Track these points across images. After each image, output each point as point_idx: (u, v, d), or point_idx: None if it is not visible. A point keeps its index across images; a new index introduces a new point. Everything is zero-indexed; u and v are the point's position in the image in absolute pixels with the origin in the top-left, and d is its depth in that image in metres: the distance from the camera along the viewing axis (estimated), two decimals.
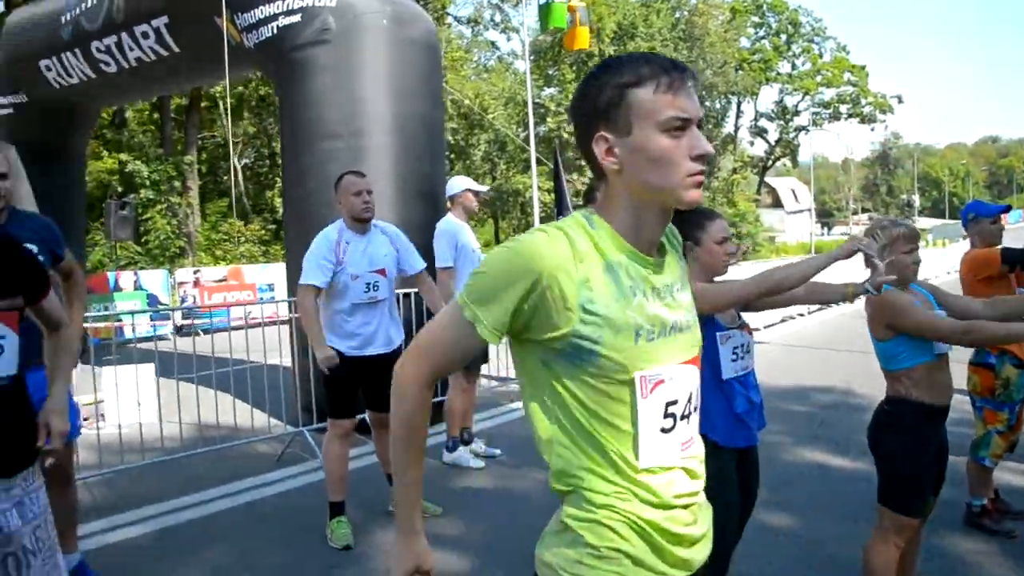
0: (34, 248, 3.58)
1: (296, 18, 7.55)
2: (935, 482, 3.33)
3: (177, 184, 27.08)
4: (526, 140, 21.17)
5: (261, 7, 7.80)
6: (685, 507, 1.58)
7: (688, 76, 1.51)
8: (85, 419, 7.07)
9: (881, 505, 3.30)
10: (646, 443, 1.52)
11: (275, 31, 7.72)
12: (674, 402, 1.56)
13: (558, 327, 1.49)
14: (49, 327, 2.64)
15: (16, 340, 2.34)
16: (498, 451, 6.41)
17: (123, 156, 26.86)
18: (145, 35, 9.58)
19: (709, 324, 2.93)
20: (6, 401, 2.32)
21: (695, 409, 1.63)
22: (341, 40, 7.33)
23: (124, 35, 9.75)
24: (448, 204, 6.43)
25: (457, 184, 6.32)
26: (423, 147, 7.52)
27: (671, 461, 1.55)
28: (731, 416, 3.04)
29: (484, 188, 6.54)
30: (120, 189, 26.36)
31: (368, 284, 4.64)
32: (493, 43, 47.36)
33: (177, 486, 5.74)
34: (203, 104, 30.09)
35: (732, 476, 3.03)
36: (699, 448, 1.66)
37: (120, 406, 6.94)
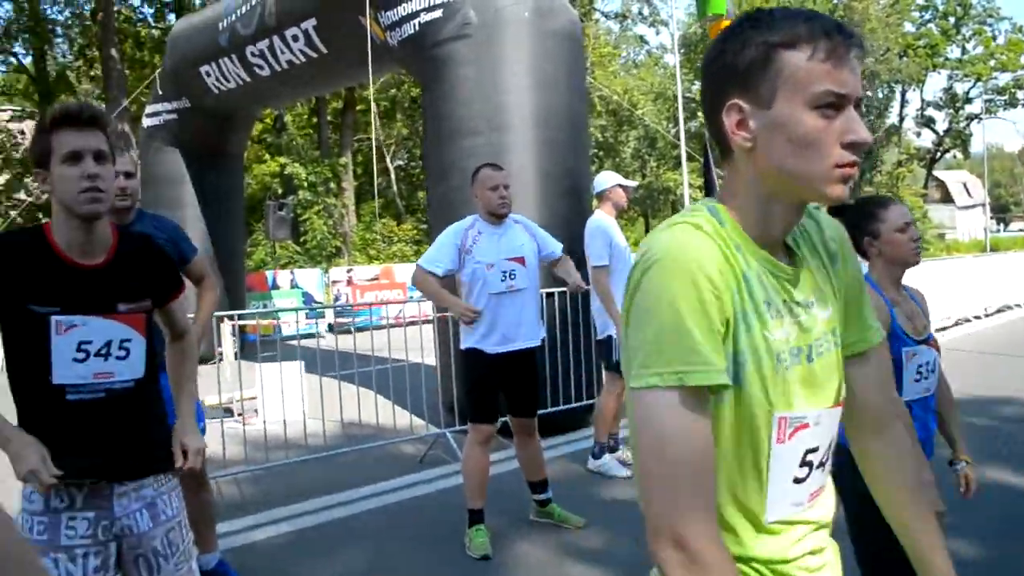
0: None
1: (437, 13, 7.46)
2: None
3: (333, 185, 27.99)
4: (676, 136, 20.58)
5: (403, 4, 7.77)
6: (810, 571, 1.32)
7: (854, 44, 1.20)
8: (239, 415, 7.23)
9: None
10: (775, 494, 1.27)
11: (417, 28, 7.68)
12: (815, 449, 1.30)
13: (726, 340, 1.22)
14: (173, 332, 2.54)
15: (143, 343, 2.25)
16: None
17: (282, 159, 27.98)
18: (295, 38, 9.81)
19: (894, 339, 2.58)
20: (132, 404, 2.25)
21: (831, 453, 1.36)
22: (482, 34, 7.18)
23: (276, 39, 10.02)
24: (596, 200, 6.14)
25: (606, 180, 6.03)
26: (566, 141, 7.27)
27: (797, 514, 1.30)
28: None
29: (634, 184, 6.24)
30: (280, 191, 27.50)
31: (505, 272, 4.41)
32: (642, 37, 46.55)
33: (321, 485, 5.73)
34: (358, 107, 31.01)
35: None
36: (829, 498, 1.40)
37: (270, 403, 7.03)
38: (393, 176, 34.71)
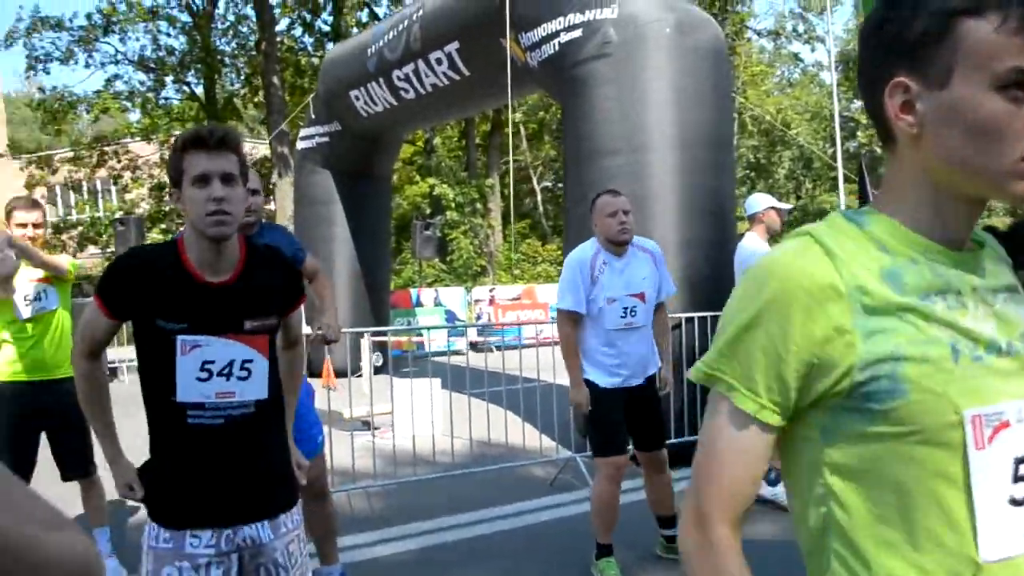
0: None
1: (577, 33, 7.40)
2: None
3: (479, 206, 28.42)
4: (833, 157, 19.75)
5: (544, 25, 7.76)
6: None
7: None
8: (377, 428, 7.33)
9: None
10: (988, 523, 1.02)
11: (557, 48, 7.64)
12: None
13: (836, 365, 1.06)
14: (287, 340, 2.56)
15: (265, 364, 2.26)
16: None
17: (431, 180, 28.65)
18: (439, 61, 9.99)
19: None
20: (252, 431, 2.25)
21: None
22: (622, 52, 7.06)
23: (420, 62, 10.24)
24: (748, 223, 5.86)
25: (759, 202, 5.77)
26: (710, 161, 7.03)
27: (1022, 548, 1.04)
28: None
29: (788, 206, 5.94)
30: (428, 211, 28.14)
31: (626, 309, 4.23)
32: (796, 55, 45.03)
33: (448, 503, 5.71)
34: (505, 129, 31.42)
35: None
36: None
37: (404, 418, 7.09)
38: (539, 197, 34.96)
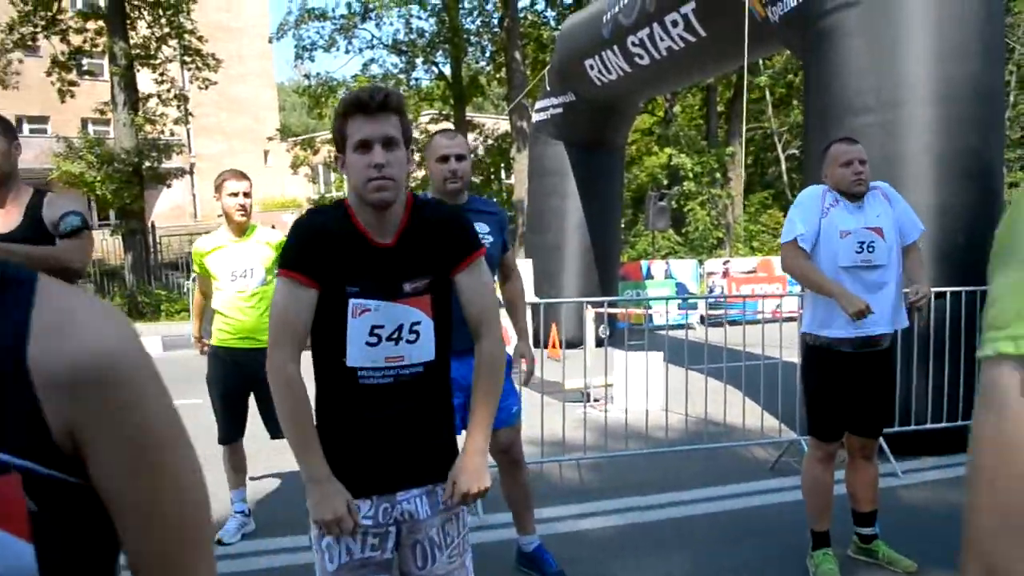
0: (486, 228, 3.61)
1: None
2: None
3: (719, 176, 27.52)
4: None
5: None
6: None
7: None
8: (596, 400, 7.22)
9: None
10: None
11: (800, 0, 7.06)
12: None
13: None
14: (472, 324, 2.28)
15: (431, 325, 2.17)
16: None
17: (669, 150, 28.08)
18: (674, 23, 9.60)
19: None
20: (421, 390, 2.18)
21: None
22: (875, 1, 6.38)
23: (655, 26, 9.90)
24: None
25: None
26: (973, 117, 6.21)
27: None
28: None
29: None
30: (666, 182, 27.61)
31: (861, 243, 3.68)
32: None
33: (661, 480, 5.51)
34: (749, 95, 30.17)
35: None
36: None
37: (622, 391, 6.92)
38: (784, 166, 33.31)
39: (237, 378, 4.42)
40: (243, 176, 4.48)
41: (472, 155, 26.11)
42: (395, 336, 2.12)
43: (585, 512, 4.95)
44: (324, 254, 2.10)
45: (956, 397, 5.92)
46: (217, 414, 4.54)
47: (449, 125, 28.43)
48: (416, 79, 29.20)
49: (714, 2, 8.82)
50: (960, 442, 5.79)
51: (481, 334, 2.28)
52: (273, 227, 7.46)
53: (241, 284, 4.42)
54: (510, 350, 3.57)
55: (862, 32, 6.41)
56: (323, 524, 2.07)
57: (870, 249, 3.70)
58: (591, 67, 11.60)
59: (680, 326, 12.39)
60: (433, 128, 28.84)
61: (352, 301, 2.08)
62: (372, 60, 28.79)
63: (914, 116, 6.12)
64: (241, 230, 4.48)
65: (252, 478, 5.25)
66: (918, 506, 4.94)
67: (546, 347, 9.19)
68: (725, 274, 16.35)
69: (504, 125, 28.66)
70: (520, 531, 4.01)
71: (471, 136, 28.50)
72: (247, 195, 4.44)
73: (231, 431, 4.52)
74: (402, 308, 2.12)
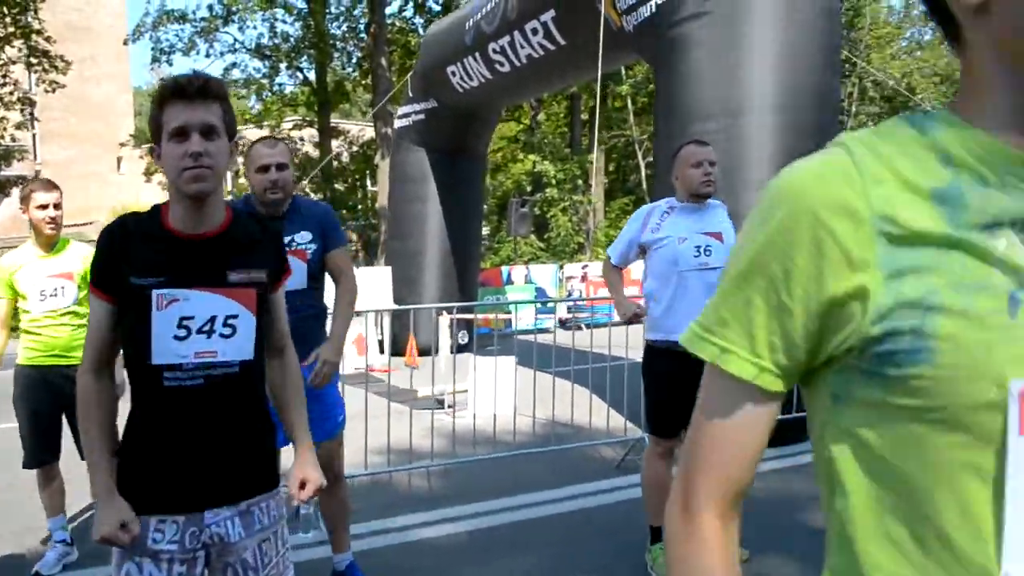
0: (308, 235, 3.51)
1: None
2: None
3: (580, 182, 28.00)
4: None
5: None
6: None
7: None
8: (450, 407, 7.16)
9: None
10: (1020, 528, 0.78)
11: (653, 9, 7.26)
12: None
13: (850, 315, 0.83)
14: (272, 342, 2.24)
15: (252, 321, 2.04)
16: None
17: (533, 157, 28.40)
18: (535, 31, 9.68)
19: None
20: (234, 396, 2.04)
21: None
22: (724, 9, 6.60)
23: (516, 33, 9.95)
24: None
25: None
26: (813, 125, 6.50)
27: None
28: None
29: None
30: (530, 189, 27.90)
31: (699, 247, 3.81)
32: (927, 13, 42.52)
33: (509, 484, 5.51)
34: (612, 104, 30.85)
35: None
36: None
37: (479, 397, 6.89)
38: (644, 173, 34.28)
39: (47, 397, 4.10)
40: (52, 187, 4.14)
41: (336, 161, 25.51)
42: (207, 328, 1.97)
43: (431, 520, 4.88)
44: (122, 258, 1.96)
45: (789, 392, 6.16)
46: (24, 437, 4.17)
47: (312, 131, 27.90)
48: (280, 84, 28.57)
49: (573, 11, 8.93)
50: (794, 433, 6.06)
51: (287, 347, 2.30)
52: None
53: (52, 304, 4.11)
54: (362, 362, 3.49)
55: (709, 42, 6.61)
56: (101, 542, 1.94)
57: (707, 252, 3.82)
58: (453, 74, 11.56)
59: (540, 330, 12.53)
60: (295, 134, 28.25)
61: (156, 292, 1.93)
62: (234, 64, 28.00)
63: (756, 124, 6.35)
64: (50, 245, 4.16)
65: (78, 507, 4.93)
66: (755, 497, 5.11)
67: (404, 355, 9.08)
68: (584, 278, 16.57)
69: (370, 132, 28.34)
70: (335, 549, 3.85)
71: (335, 143, 28.03)
72: (57, 207, 4.10)
73: (42, 453, 4.15)
74: (217, 298, 1.98)
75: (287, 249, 3.28)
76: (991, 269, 0.77)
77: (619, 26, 7.98)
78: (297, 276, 3.20)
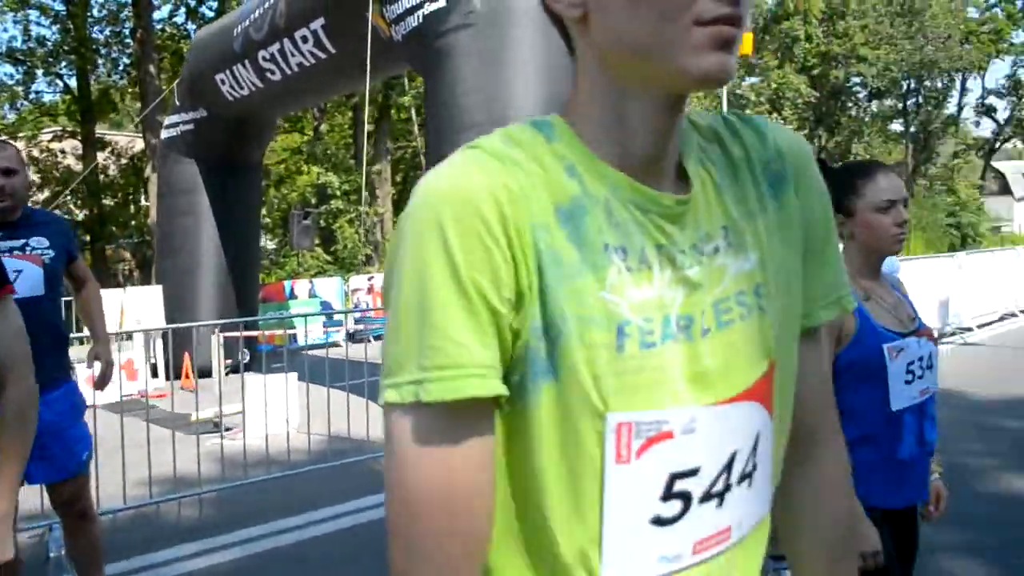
0: (44, 241, 3.28)
1: (441, 3, 7.08)
2: None
3: (366, 193, 27.78)
4: None
5: None
6: None
7: None
8: (227, 429, 6.85)
9: None
10: (619, 545, 0.82)
11: (421, 19, 7.31)
12: (692, 472, 0.84)
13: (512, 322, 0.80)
14: None
15: None
16: None
17: (317, 169, 27.90)
18: (304, 39, 9.49)
19: (869, 336, 2.08)
20: None
21: (750, 475, 0.89)
22: (487, 22, 6.75)
23: (286, 41, 9.71)
24: None
25: None
26: None
27: (665, 569, 0.84)
28: (891, 463, 2.11)
29: None
30: (314, 201, 27.35)
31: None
32: (552, 21, 45.68)
33: (291, 503, 5.34)
34: (396, 115, 30.83)
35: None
36: (757, 546, 0.94)
37: (258, 418, 6.63)
38: None
39: None
40: None
41: (103, 174, 23.75)
42: None
43: (199, 551, 4.62)
44: None
45: None
46: None
47: (75, 143, 26.03)
48: (37, 92, 26.47)
49: (343, 20, 8.83)
50: None
51: (8, 381, 1.97)
52: None
53: None
54: (133, 387, 3.28)
55: (474, 52, 6.75)
56: None
57: None
58: (223, 82, 11.12)
59: (331, 344, 12.27)
60: (55, 146, 26.27)
61: None
62: None
63: None
64: None
65: None
66: None
67: (179, 378, 8.59)
68: (370, 290, 16.36)
69: (141, 143, 26.80)
70: None
71: (101, 155, 26.24)
72: None
73: None
74: None
75: (22, 253, 2.97)
76: (605, 301, 0.79)
77: (388, 35, 7.97)
78: (31, 282, 3.08)
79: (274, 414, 6.49)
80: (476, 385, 0.75)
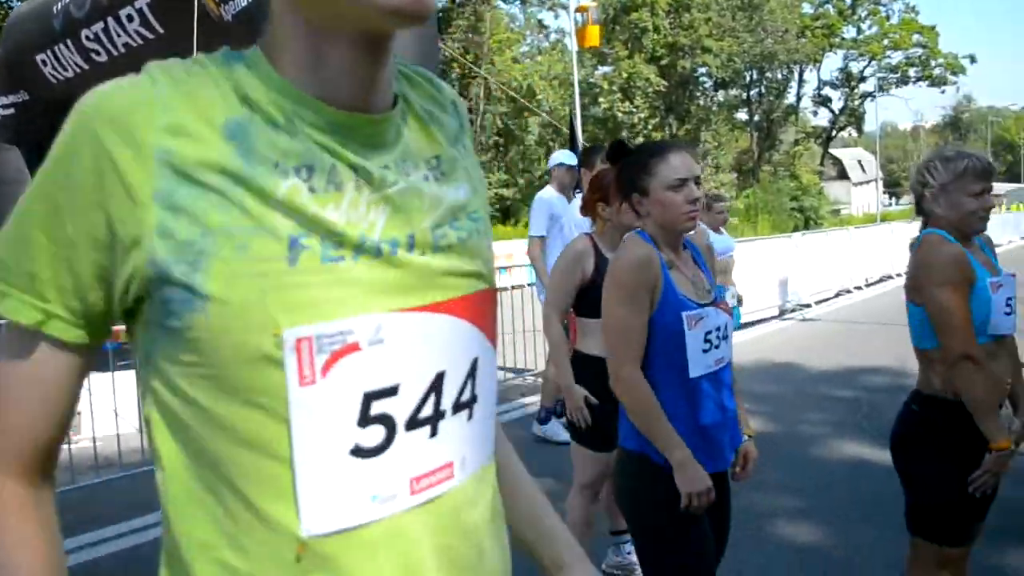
0: None
1: None
2: (985, 502, 2.40)
3: None
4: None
5: None
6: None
7: None
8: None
9: (914, 536, 2.48)
10: (316, 483, 0.76)
11: None
12: (390, 391, 0.78)
13: (133, 257, 0.75)
14: None
15: None
16: None
17: None
18: (130, 18, 9.00)
19: (669, 305, 2.13)
20: None
21: (468, 405, 0.85)
22: None
23: (111, 20, 9.19)
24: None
25: (553, 158, 6.47)
26: None
27: (381, 512, 0.78)
28: (695, 430, 2.18)
29: (574, 162, 6.33)
30: None
31: None
32: (541, 22, 46.09)
33: (127, 504, 4.96)
34: None
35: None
36: (476, 479, 0.88)
37: (97, 418, 6.24)
38: None
39: None
40: None
41: None
42: None
43: None
44: None
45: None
46: None
47: None
48: None
49: None
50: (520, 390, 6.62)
51: None
52: None
53: None
54: None
55: None
56: None
57: None
58: (44, 63, 10.45)
59: None
60: None
61: None
62: None
63: None
64: None
65: None
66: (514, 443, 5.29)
67: None
68: None
69: None
70: None
71: None
72: None
73: None
74: None
75: None
76: (273, 212, 0.74)
77: (218, 15, 7.67)
78: None
79: (117, 412, 6.14)
80: (62, 329, 0.77)
